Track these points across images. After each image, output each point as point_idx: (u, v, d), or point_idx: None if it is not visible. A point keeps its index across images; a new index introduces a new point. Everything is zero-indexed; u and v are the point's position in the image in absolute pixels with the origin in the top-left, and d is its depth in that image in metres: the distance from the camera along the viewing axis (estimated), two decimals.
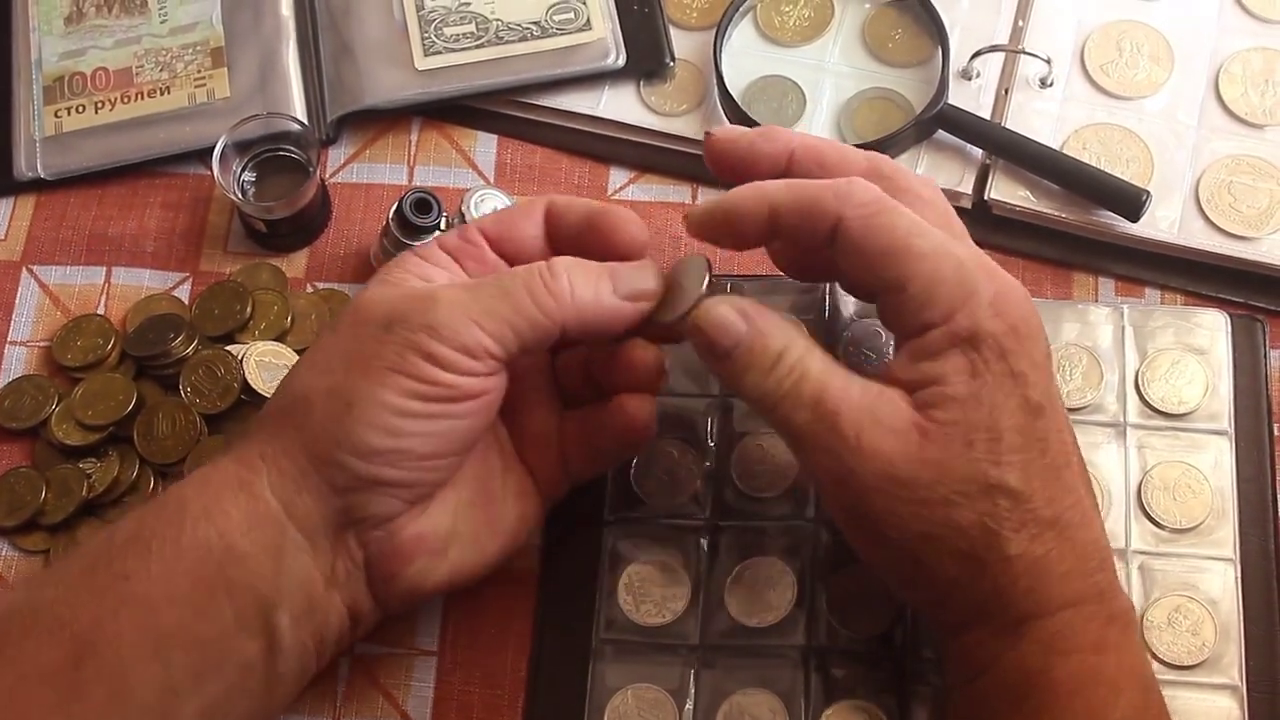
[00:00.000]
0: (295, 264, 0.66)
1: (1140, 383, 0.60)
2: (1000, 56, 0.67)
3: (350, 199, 0.67)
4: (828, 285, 0.61)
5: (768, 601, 0.56)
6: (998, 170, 0.64)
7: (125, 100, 0.68)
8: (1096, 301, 0.63)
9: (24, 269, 0.66)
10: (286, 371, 0.61)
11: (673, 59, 0.68)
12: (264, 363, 0.62)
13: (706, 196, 0.66)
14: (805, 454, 0.49)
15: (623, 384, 0.54)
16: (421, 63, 0.68)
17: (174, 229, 0.66)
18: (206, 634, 0.47)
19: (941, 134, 0.65)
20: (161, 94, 0.68)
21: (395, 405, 0.47)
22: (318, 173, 0.64)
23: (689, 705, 0.55)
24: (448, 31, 0.68)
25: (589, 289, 0.50)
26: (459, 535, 0.52)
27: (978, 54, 0.66)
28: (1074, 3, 0.68)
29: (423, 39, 0.68)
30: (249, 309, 0.63)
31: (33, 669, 0.46)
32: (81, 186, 0.67)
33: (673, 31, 0.69)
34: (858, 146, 0.64)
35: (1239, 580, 0.57)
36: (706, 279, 0.51)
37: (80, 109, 0.68)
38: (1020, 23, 0.68)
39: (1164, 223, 0.63)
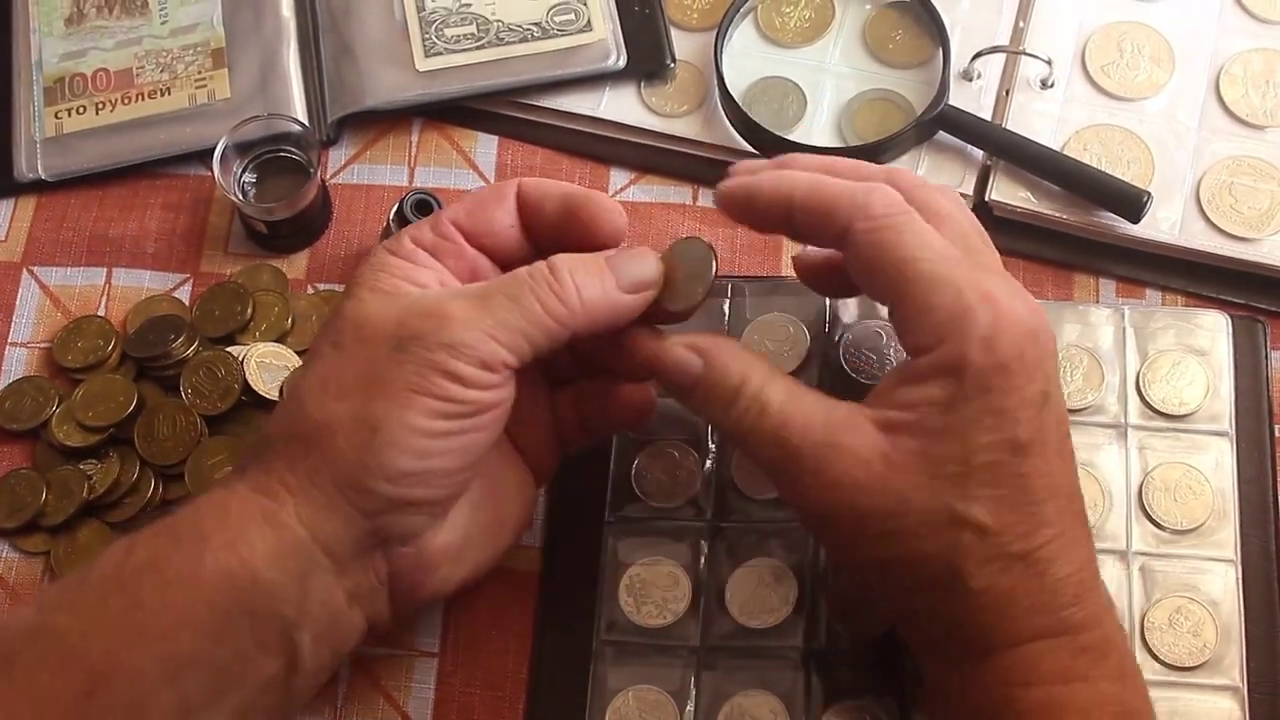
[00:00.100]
0: (296, 265, 0.66)
1: (1141, 384, 0.60)
2: (1001, 58, 0.67)
3: (351, 200, 0.67)
4: None
5: (768, 603, 0.56)
6: (998, 171, 0.64)
7: (126, 101, 0.68)
8: (1097, 302, 0.63)
9: (24, 270, 0.66)
10: (288, 376, 0.61)
11: (673, 60, 0.68)
12: (265, 364, 0.62)
13: (707, 197, 0.66)
14: (774, 482, 0.50)
15: (624, 378, 0.54)
16: (422, 64, 0.68)
17: (174, 230, 0.66)
18: (225, 658, 0.47)
19: (942, 135, 0.65)
20: (162, 95, 0.68)
21: (421, 427, 0.47)
22: (318, 174, 0.64)
23: (690, 707, 0.55)
24: (448, 32, 0.68)
25: (595, 289, 0.49)
26: (471, 537, 0.51)
27: (978, 55, 0.66)
28: (1075, 4, 0.68)
29: (423, 40, 0.68)
30: (250, 310, 0.63)
31: (46, 698, 0.45)
32: (82, 187, 0.67)
33: (673, 32, 0.69)
34: (858, 148, 0.65)
35: (1240, 581, 0.57)
36: (714, 264, 0.51)
37: (81, 110, 0.68)
38: (1021, 24, 0.68)
39: (1165, 224, 0.63)
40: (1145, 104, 0.66)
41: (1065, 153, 0.64)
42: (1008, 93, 0.67)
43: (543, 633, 0.58)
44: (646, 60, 0.68)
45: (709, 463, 0.59)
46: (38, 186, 0.67)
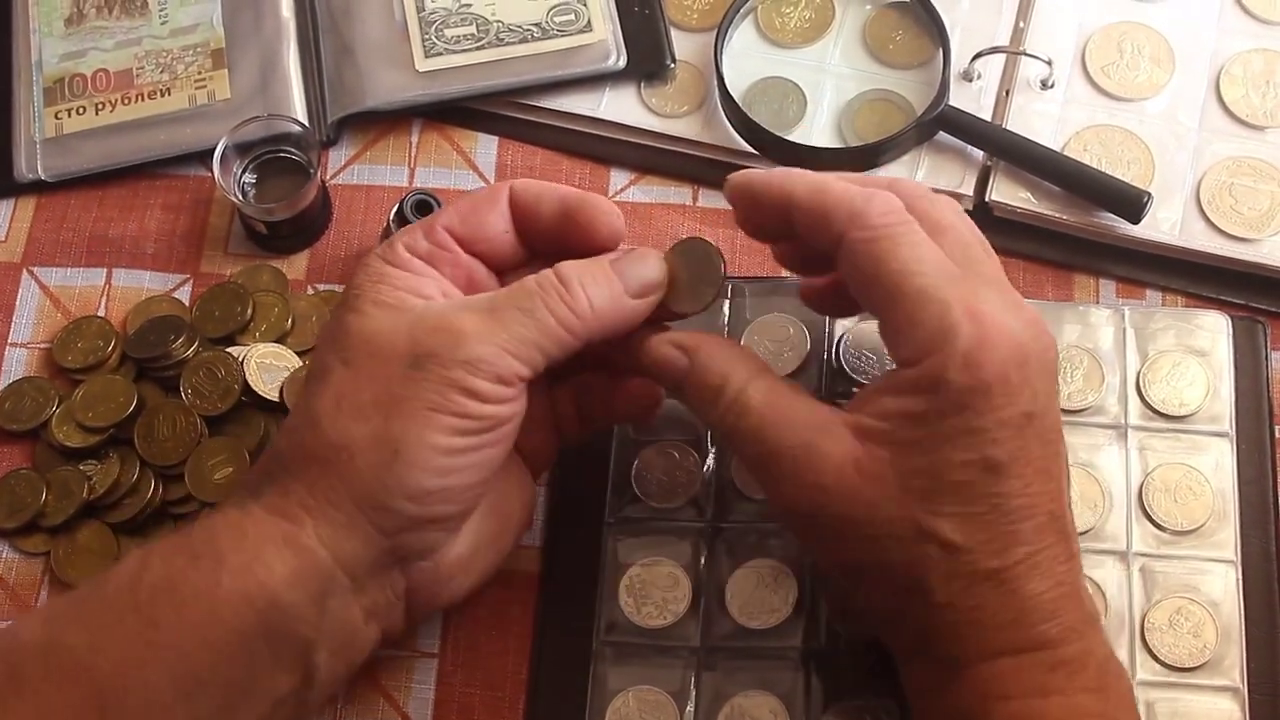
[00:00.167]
0: (296, 266, 0.65)
1: (1141, 384, 0.60)
2: (1001, 58, 0.67)
3: (351, 200, 0.67)
4: None
5: (768, 604, 0.56)
6: (999, 172, 0.64)
7: (126, 102, 0.68)
8: (1098, 303, 0.63)
9: (24, 271, 0.66)
10: (288, 380, 0.61)
11: (673, 60, 0.68)
12: (265, 365, 0.62)
13: (707, 198, 0.66)
14: (757, 481, 0.51)
15: (623, 372, 0.54)
16: (422, 64, 0.68)
17: (174, 231, 0.66)
18: (240, 677, 0.46)
19: (942, 136, 0.65)
20: (162, 95, 0.68)
21: (442, 445, 0.46)
22: (318, 174, 0.64)
23: (690, 707, 0.55)
24: (448, 33, 0.68)
25: (604, 296, 0.49)
26: (481, 543, 0.52)
27: (979, 56, 0.66)
28: (1075, 4, 0.68)
29: (423, 40, 0.68)
30: (250, 311, 0.63)
31: (56, 715, 0.45)
32: (82, 188, 0.67)
33: (673, 33, 0.69)
34: (858, 148, 0.65)
35: (1240, 582, 0.57)
36: (722, 266, 0.51)
37: (81, 110, 0.68)
38: (1021, 24, 0.68)
39: (1165, 224, 0.63)
40: (1145, 104, 0.66)
41: (1065, 153, 0.64)
42: (1008, 93, 0.66)
43: (543, 633, 0.58)
44: (646, 61, 0.68)
45: (709, 463, 0.59)
46: (37, 187, 0.67)
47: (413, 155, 0.68)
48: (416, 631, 0.58)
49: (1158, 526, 0.58)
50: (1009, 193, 0.64)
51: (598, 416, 0.56)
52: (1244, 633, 0.56)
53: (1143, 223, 0.62)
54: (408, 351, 0.47)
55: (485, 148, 0.68)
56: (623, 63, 0.67)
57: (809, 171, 0.51)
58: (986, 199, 0.64)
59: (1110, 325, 0.61)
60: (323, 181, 0.66)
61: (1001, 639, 0.46)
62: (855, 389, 0.59)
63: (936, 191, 0.63)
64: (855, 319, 0.60)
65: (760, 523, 0.58)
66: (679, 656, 0.56)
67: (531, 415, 0.54)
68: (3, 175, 0.67)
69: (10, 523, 0.60)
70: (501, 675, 0.57)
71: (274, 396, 0.61)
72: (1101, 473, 0.58)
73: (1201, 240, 0.63)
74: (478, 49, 0.68)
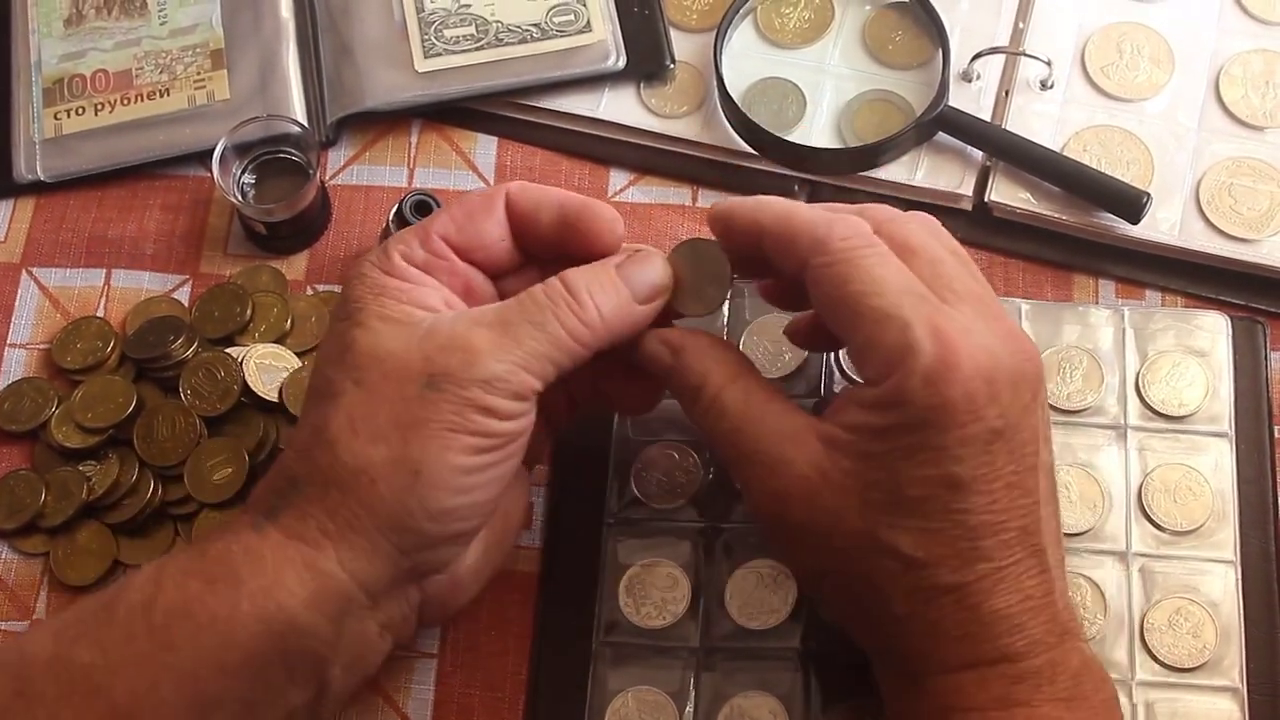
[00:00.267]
0: (295, 266, 0.65)
1: (1141, 385, 0.60)
2: (1001, 59, 0.67)
3: (350, 201, 0.67)
4: None
5: (768, 604, 0.56)
6: (998, 172, 0.64)
7: (125, 102, 0.68)
8: (1097, 303, 0.63)
9: (24, 271, 0.66)
10: (287, 378, 0.61)
11: (673, 61, 0.68)
12: (264, 365, 0.62)
13: (706, 198, 0.66)
14: (734, 481, 0.51)
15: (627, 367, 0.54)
16: (421, 64, 0.68)
17: (174, 231, 0.66)
18: (255, 696, 0.47)
19: (942, 136, 0.65)
20: (161, 96, 0.68)
21: (462, 464, 0.46)
22: (317, 175, 0.64)
23: (689, 708, 0.55)
24: (448, 33, 0.68)
25: (612, 304, 0.49)
26: (489, 549, 0.52)
27: (978, 56, 0.66)
28: (1074, 5, 0.68)
29: (423, 41, 0.68)
30: (249, 311, 0.63)
31: None
32: (81, 189, 0.67)
33: (673, 33, 0.69)
34: (858, 149, 0.65)
35: (1239, 582, 0.57)
36: (730, 268, 0.51)
37: (80, 111, 0.68)
38: (1021, 25, 0.68)
39: (1164, 225, 0.63)
40: (1145, 105, 0.66)
41: (1065, 154, 0.64)
42: (1007, 94, 0.66)
43: (542, 633, 0.58)
44: (646, 61, 0.68)
45: (709, 464, 0.59)
46: (37, 188, 0.67)
47: (412, 156, 0.68)
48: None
49: (1157, 527, 0.58)
50: (1008, 193, 0.64)
51: (591, 403, 0.56)
52: (1243, 633, 0.56)
53: (1142, 223, 0.62)
54: (422, 371, 0.47)
55: (484, 148, 0.68)
56: (622, 63, 0.67)
57: (780, 199, 0.51)
58: (986, 199, 0.64)
59: (1110, 325, 0.61)
60: (322, 182, 0.66)
61: (963, 651, 0.46)
62: None
63: (936, 192, 0.64)
64: None
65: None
66: (678, 657, 0.56)
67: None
68: (2, 176, 0.67)
69: (9, 523, 0.60)
70: (501, 675, 0.57)
71: (273, 397, 0.61)
72: (1101, 473, 0.58)
73: (1201, 240, 0.63)
74: (477, 49, 0.68)
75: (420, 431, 0.46)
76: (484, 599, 0.57)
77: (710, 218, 0.52)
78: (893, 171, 0.65)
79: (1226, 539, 0.57)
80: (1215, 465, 0.58)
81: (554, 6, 0.68)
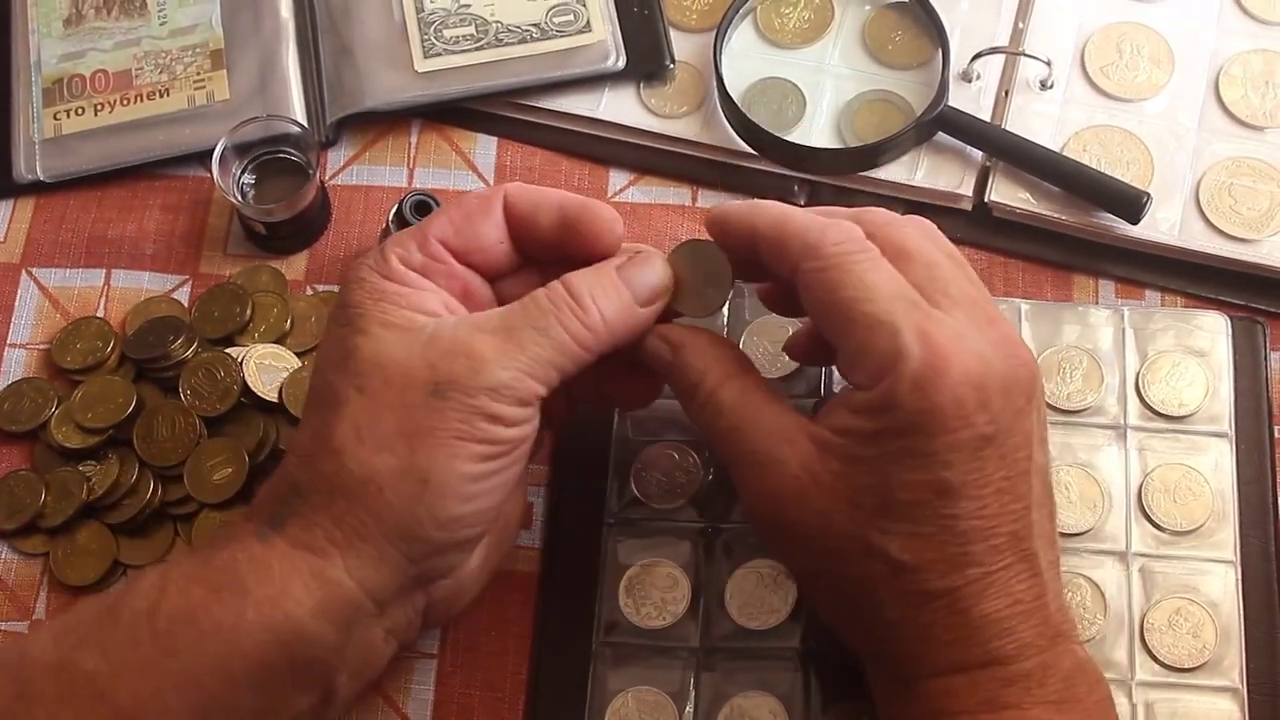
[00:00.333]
0: (295, 266, 0.65)
1: (1141, 385, 0.60)
2: (1000, 59, 0.67)
3: (350, 201, 0.67)
4: None
5: (768, 604, 0.56)
6: (998, 172, 0.64)
7: (125, 102, 0.68)
8: (1097, 303, 0.63)
9: (23, 271, 0.66)
10: (287, 379, 0.61)
11: (673, 61, 0.68)
12: (264, 365, 0.62)
13: (706, 198, 0.66)
14: (730, 480, 0.51)
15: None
16: (421, 65, 0.68)
17: (173, 231, 0.66)
18: (260, 703, 0.47)
19: (942, 136, 0.65)
20: (161, 96, 0.68)
21: (469, 472, 0.46)
22: (317, 175, 0.64)
23: (689, 708, 0.55)
24: (447, 33, 0.68)
25: (614, 308, 0.49)
26: (491, 551, 0.52)
27: (978, 56, 0.66)
28: (1074, 5, 0.68)
29: (422, 41, 0.68)
30: (249, 311, 0.63)
31: None
32: (81, 189, 0.67)
33: (673, 33, 0.69)
34: (857, 149, 0.64)
35: (1239, 582, 0.57)
36: (731, 269, 0.51)
37: (79, 111, 0.68)
38: (1020, 25, 0.68)
39: (1164, 225, 0.63)
40: (1145, 105, 0.66)
41: (1065, 154, 0.64)
42: (1007, 94, 0.66)
43: (542, 633, 0.58)
44: (646, 61, 0.68)
45: (709, 464, 0.59)
46: (36, 188, 0.67)
47: (412, 156, 0.68)
48: None
49: (1157, 527, 0.58)
50: (1008, 193, 0.64)
51: (588, 399, 0.55)
52: (1243, 633, 0.56)
53: (1142, 223, 0.62)
54: (427, 379, 0.46)
55: (484, 148, 0.68)
56: (622, 63, 0.67)
57: (775, 204, 0.51)
58: (986, 199, 0.64)
59: (1109, 325, 0.61)
60: (322, 182, 0.66)
61: (953, 655, 0.47)
62: None
63: (936, 192, 0.64)
64: None
65: None
66: (678, 657, 0.56)
67: None
68: (2, 176, 0.67)
69: (9, 524, 0.60)
70: (501, 676, 0.57)
71: (273, 397, 0.61)
72: (1101, 473, 0.58)
73: (1201, 240, 0.63)
74: (477, 49, 0.68)
75: (427, 440, 0.46)
76: (484, 599, 0.57)
77: (707, 222, 0.52)
78: (892, 172, 0.65)
79: (1226, 539, 0.57)
80: (1215, 465, 0.59)
81: (554, 6, 0.68)
